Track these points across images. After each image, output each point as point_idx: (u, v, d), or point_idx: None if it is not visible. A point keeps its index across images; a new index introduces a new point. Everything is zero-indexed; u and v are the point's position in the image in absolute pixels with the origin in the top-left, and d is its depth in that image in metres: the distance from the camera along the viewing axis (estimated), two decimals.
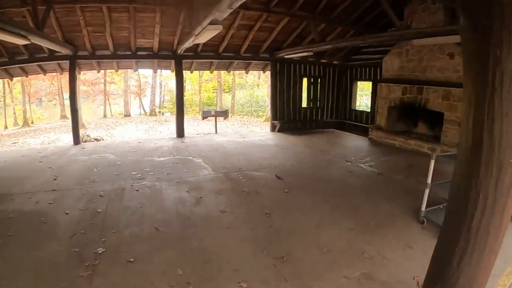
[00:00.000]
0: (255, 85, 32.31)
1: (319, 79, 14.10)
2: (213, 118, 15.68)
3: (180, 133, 12.11)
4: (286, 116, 13.52)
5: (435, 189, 5.19)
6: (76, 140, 11.11)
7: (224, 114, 16.07)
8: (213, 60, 12.61)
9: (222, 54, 11.90)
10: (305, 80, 13.88)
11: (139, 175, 7.35)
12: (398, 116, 11.66)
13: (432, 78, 9.98)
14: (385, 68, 11.45)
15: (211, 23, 5.30)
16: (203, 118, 16.37)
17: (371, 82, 13.33)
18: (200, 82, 29.39)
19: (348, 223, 5.19)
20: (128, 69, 19.78)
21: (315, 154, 9.63)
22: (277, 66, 13.01)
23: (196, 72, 23.57)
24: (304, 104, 14.19)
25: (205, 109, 19.09)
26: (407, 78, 10.70)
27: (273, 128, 13.33)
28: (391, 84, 11.15)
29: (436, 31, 6.84)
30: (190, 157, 8.91)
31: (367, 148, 10.61)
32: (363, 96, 22.15)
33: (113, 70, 16.67)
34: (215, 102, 29.62)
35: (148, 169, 7.77)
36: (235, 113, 28.94)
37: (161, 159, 8.73)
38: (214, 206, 5.78)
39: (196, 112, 29.16)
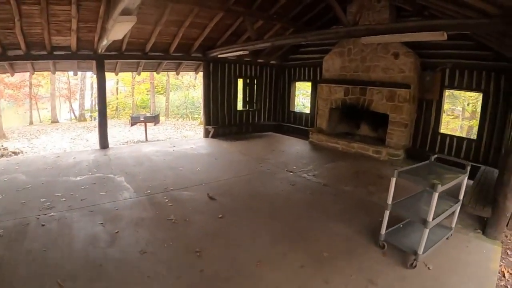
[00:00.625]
0: (191, 86, 30.66)
1: (255, 80, 13.16)
2: (143, 124, 14.08)
3: (104, 144, 10.30)
4: (221, 120, 12.32)
5: (395, 209, 4.42)
6: None
7: (155, 119, 14.33)
8: (140, 61, 10.96)
9: (149, 53, 10.35)
10: (240, 81, 12.81)
11: (49, 203, 5.72)
12: (340, 118, 11.14)
13: (376, 79, 9.54)
14: (326, 68, 10.86)
15: (123, 13, 4.17)
16: (132, 124, 14.58)
17: (310, 83, 12.75)
18: (133, 83, 27.02)
19: (297, 256, 4.22)
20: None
21: (253, 163, 8.56)
22: (210, 67, 11.76)
23: (128, 73, 21.59)
24: (240, 106, 13.13)
25: (134, 115, 16.96)
26: (349, 78, 10.18)
27: (206, 134, 12.04)
28: (332, 84, 10.58)
29: (387, 29, 6.18)
30: (111, 175, 7.26)
31: (309, 154, 9.85)
32: (300, 96, 21.73)
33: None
34: (150, 104, 27.60)
35: (60, 194, 6.15)
36: (169, 116, 27.15)
37: (78, 178, 7.11)
38: (132, 245, 4.39)
39: (129, 116, 26.73)
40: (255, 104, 13.29)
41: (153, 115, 15.19)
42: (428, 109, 9.47)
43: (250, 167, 8.21)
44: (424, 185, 4.20)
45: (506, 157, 4.98)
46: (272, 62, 13.14)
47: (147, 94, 27.98)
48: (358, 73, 9.96)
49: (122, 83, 28.25)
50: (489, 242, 4.83)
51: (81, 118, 26.18)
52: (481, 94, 8.84)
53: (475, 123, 18.65)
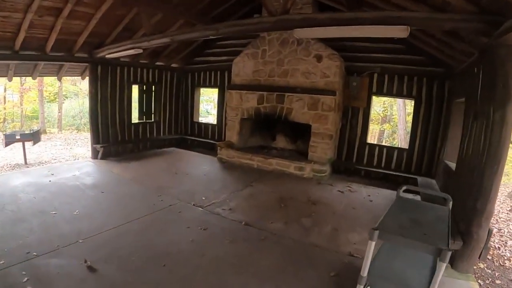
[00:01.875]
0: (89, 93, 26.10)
1: (154, 86, 10.75)
2: (21, 142, 10.42)
3: None
4: (112, 137, 9.53)
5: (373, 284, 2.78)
6: None
7: (33, 137, 10.90)
8: (9, 62, 7.72)
9: (20, 52, 7.49)
10: (136, 88, 10.43)
11: None
12: (253, 129, 9.47)
13: (296, 84, 8.10)
14: (236, 72, 9.10)
15: None
16: (6, 145, 10.91)
17: (217, 89, 10.85)
18: (21, 90, 21.82)
19: None
20: None
21: (150, 197, 6.16)
22: (99, 70, 8.94)
23: (16, 79, 17.05)
24: (135, 119, 10.51)
25: (8, 132, 12.70)
26: (264, 84, 8.56)
27: (95, 155, 9.10)
28: (244, 91, 8.84)
29: (332, 19, 4.57)
30: None
31: (220, 176, 7.88)
32: (203, 102, 19.57)
33: None
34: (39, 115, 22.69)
35: None
36: (63, 128, 22.93)
37: None
38: None
39: (2, 134, 21.43)
40: (153, 115, 10.83)
41: (32, 131, 11.39)
42: (354, 118, 8.43)
43: (147, 203, 5.81)
44: (427, 250, 2.53)
45: (480, 181, 4.03)
46: (173, 65, 10.95)
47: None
48: (274, 78, 8.39)
49: (11, 90, 22.85)
50: (462, 277, 4.11)
51: None
52: (413, 101, 8.04)
53: (388, 127, 18.92)
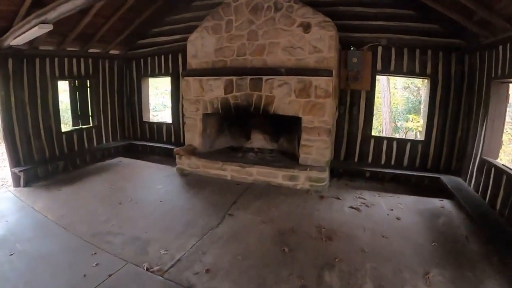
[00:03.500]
0: None
1: (88, 81, 7.95)
2: None
3: None
4: (37, 154, 6.67)
5: None
6: None
7: None
8: None
9: None
10: (64, 85, 7.77)
11: None
12: (220, 127, 7.14)
13: (277, 64, 5.89)
14: (192, 53, 6.66)
15: None
16: None
17: (170, 78, 8.22)
18: None
19: None
20: None
21: (79, 258, 3.55)
22: (9, 65, 6.04)
23: None
24: (67, 125, 7.80)
25: None
26: (231, 66, 6.24)
27: (16, 182, 6.16)
28: (205, 77, 6.43)
29: None
30: None
31: (183, 201, 5.34)
32: (159, 95, 16.68)
33: None
34: None
35: None
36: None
37: None
38: None
39: None
40: (91, 119, 8.10)
41: None
42: (355, 105, 6.31)
43: (72, 274, 3.27)
44: None
45: None
46: (112, 52, 8.32)
47: None
48: (245, 56, 6.09)
49: None
50: None
51: None
52: (428, 81, 6.19)
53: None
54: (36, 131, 6.68)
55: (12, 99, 6.16)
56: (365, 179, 6.40)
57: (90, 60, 7.78)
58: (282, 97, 5.75)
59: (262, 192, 5.56)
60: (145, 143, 8.53)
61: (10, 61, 6.05)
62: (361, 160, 6.55)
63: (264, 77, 5.83)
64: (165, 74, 8.17)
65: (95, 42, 7.37)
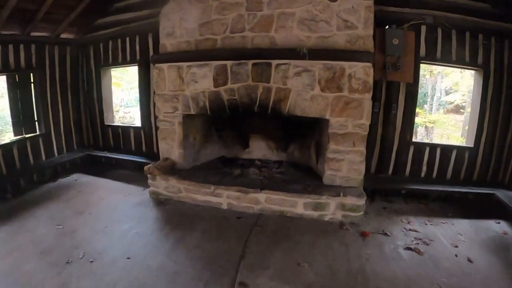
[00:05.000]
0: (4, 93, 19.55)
1: (32, 75, 5.74)
2: None
3: None
4: None
5: None
6: None
7: None
8: None
9: None
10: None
11: None
12: (208, 131, 5.26)
13: (291, 43, 4.07)
14: (167, 31, 4.66)
15: None
16: None
17: (137, 67, 6.07)
18: None
19: None
20: None
21: None
22: None
23: None
24: (5, 135, 5.62)
25: None
26: (224, 46, 4.33)
27: None
28: (185, 63, 4.49)
29: None
30: None
31: (161, 257, 3.22)
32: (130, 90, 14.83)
33: None
34: None
35: None
36: None
37: None
38: None
39: None
40: (37, 124, 5.90)
41: None
42: (392, 101, 4.56)
43: None
44: None
45: None
46: (63, 36, 6.21)
47: None
48: (244, 33, 4.20)
49: None
50: None
51: None
52: (479, 73, 4.69)
53: None
54: None
55: None
56: (403, 197, 4.73)
57: (34, 48, 5.63)
58: (301, 90, 3.96)
59: (277, 229, 3.77)
60: (108, 155, 6.37)
61: None
62: (396, 173, 4.89)
63: (274, 62, 4.00)
64: (132, 62, 6.04)
65: (38, 22, 5.24)
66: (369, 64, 3.76)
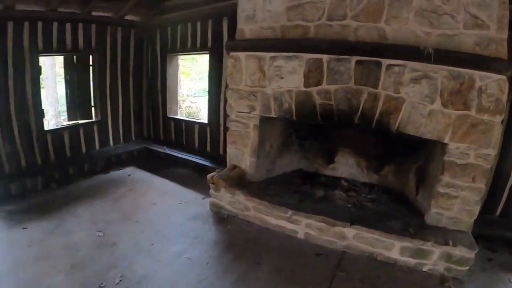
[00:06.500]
0: None
1: (91, 58, 5.52)
2: None
3: None
4: (8, 163, 4.36)
5: None
6: None
7: None
8: None
9: None
10: (52, 63, 5.44)
11: None
12: (287, 139, 4.56)
13: (407, 38, 3.13)
14: (246, 14, 3.95)
15: None
16: None
17: (208, 55, 5.52)
18: None
19: None
20: None
21: None
22: None
23: None
24: (50, 120, 5.76)
25: None
26: (319, 36, 3.51)
27: None
28: (268, 53, 3.77)
29: None
30: None
31: None
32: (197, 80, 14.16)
33: None
34: None
35: None
36: None
37: None
38: None
39: None
40: (94, 111, 5.66)
41: None
42: None
43: None
44: None
45: None
46: (128, 17, 5.73)
47: None
48: (344, 21, 3.37)
49: None
50: None
51: None
52: None
53: None
54: (7, 128, 4.43)
55: None
56: (509, 246, 3.62)
57: (94, 28, 5.40)
58: (418, 102, 3.09)
59: (365, 277, 3.04)
60: (168, 149, 5.95)
61: None
62: (506, 215, 3.80)
63: (386, 61, 3.14)
64: (202, 49, 5.51)
65: (100, 1, 4.80)
66: (504, 78, 2.85)
